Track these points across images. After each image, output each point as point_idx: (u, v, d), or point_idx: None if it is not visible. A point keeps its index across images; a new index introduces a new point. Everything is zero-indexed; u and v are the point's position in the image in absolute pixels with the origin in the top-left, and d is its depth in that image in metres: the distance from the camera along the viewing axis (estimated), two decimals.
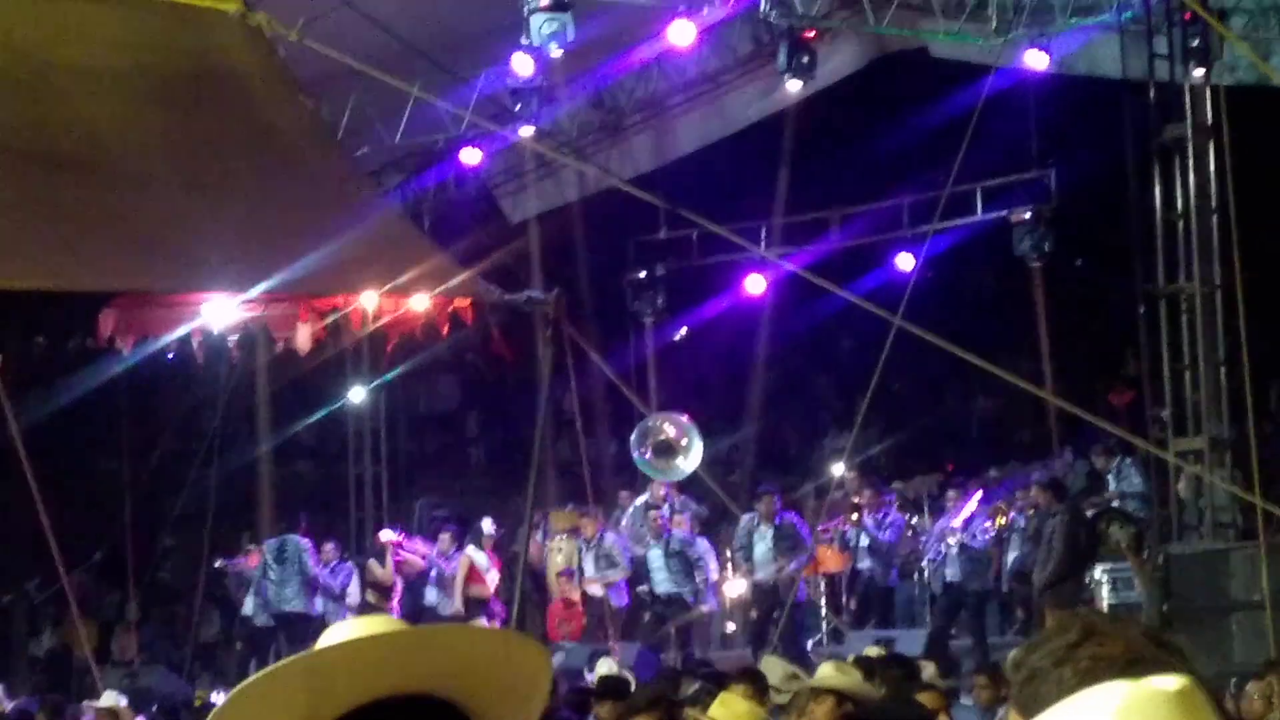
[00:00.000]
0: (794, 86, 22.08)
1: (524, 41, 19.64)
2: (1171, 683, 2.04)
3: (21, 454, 15.73)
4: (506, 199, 25.87)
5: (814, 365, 30.43)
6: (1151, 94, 18.28)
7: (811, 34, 21.42)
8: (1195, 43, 18.35)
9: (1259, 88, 19.62)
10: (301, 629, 21.37)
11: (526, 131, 22.49)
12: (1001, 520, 20.96)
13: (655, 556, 21.41)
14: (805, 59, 21.29)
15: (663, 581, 21.36)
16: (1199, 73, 18.44)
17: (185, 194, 15.52)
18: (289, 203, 16.07)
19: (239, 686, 2.31)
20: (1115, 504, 20.92)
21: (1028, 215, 23.46)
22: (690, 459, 18.13)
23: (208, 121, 16.21)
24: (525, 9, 18.95)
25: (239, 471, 25.38)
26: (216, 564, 23.92)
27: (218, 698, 18.48)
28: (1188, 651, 2.28)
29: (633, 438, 18.40)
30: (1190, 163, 18.15)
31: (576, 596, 22.42)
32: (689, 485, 21.61)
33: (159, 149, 15.75)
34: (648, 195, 19.12)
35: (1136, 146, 18.35)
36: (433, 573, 22.89)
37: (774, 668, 11.99)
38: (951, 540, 20.88)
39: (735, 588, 22.17)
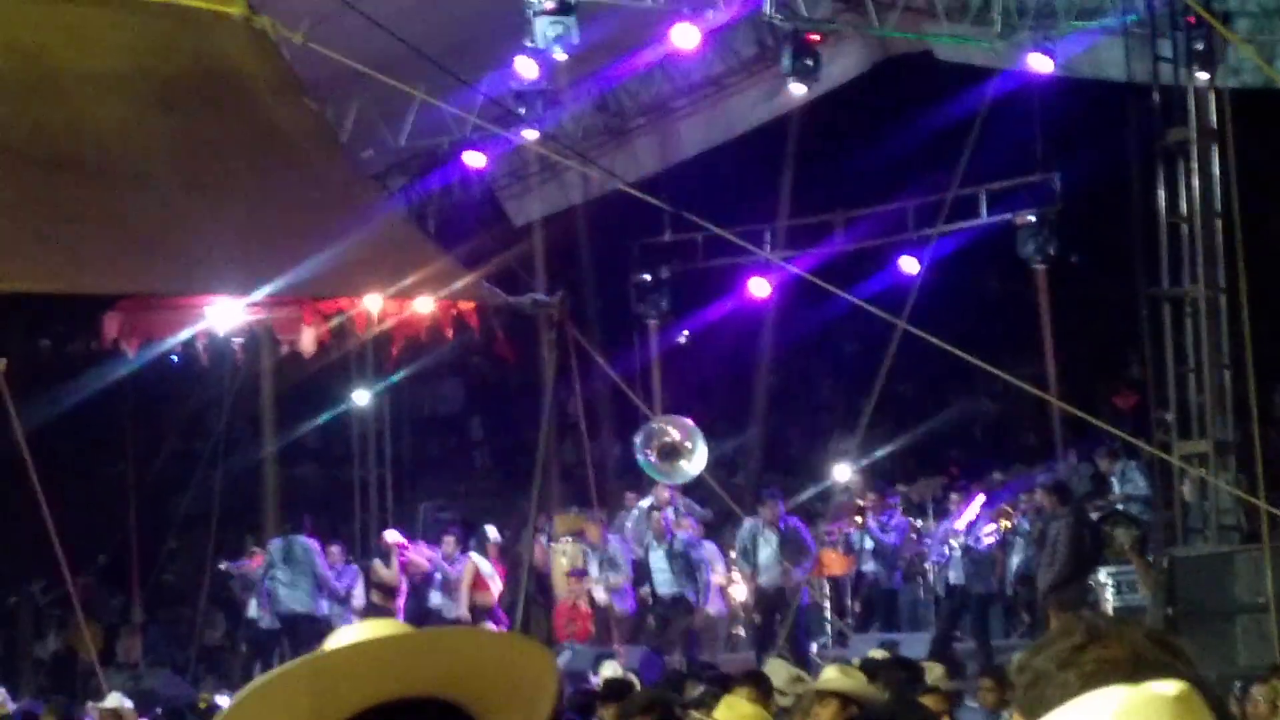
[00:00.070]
0: (798, 89, 22.08)
1: (528, 44, 19.67)
2: (1170, 688, 2.06)
3: (26, 457, 15.74)
4: (511, 202, 25.88)
5: (818, 368, 30.44)
6: (1155, 97, 18.27)
7: (815, 37, 21.42)
8: (1199, 46, 18.35)
9: (1263, 90, 19.62)
10: (307, 631, 21.37)
11: (531, 134, 22.51)
12: (1006, 523, 20.96)
13: (657, 558, 21.41)
14: (809, 62, 21.29)
15: (664, 583, 21.35)
16: (1203, 76, 18.43)
17: (190, 197, 15.52)
18: (293, 205, 16.07)
19: (246, 689, 2.31)
20: (1119, 507, 20.92)
21: (1032, 218, 23.46)
22: (694, 462, 18.13)
23: (212, 124, 16.21)
24: (529, 12, 18.97)
25: (243, 474, 25.39)
26: (221, 566, 23.94)
27: (222, 700, 18.49)
28: (1192, 655, 2.28)
29: (637, 440, 18.41)
30: (1194, 165, 18.15)
31: (585, 600, 22.42)
32: (693, 488, 21.61)
33: (163, 152, 15.76)
34: (652, 198, 19.11)
35: (1140, 149, 18.35)
36: (437, 576, 22.89)
37: (778, 671, 12.01)
38: (954, 543, 20.89)
39: (738, 592, 22.16)
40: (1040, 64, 21.03)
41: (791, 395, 29.81)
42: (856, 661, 12.27)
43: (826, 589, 22.66)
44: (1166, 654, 2.22)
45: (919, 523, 22.73)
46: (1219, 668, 14.66)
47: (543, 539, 22.48)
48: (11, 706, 17.83)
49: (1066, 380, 24.37)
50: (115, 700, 15.82)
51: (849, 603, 22.86)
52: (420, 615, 22.00)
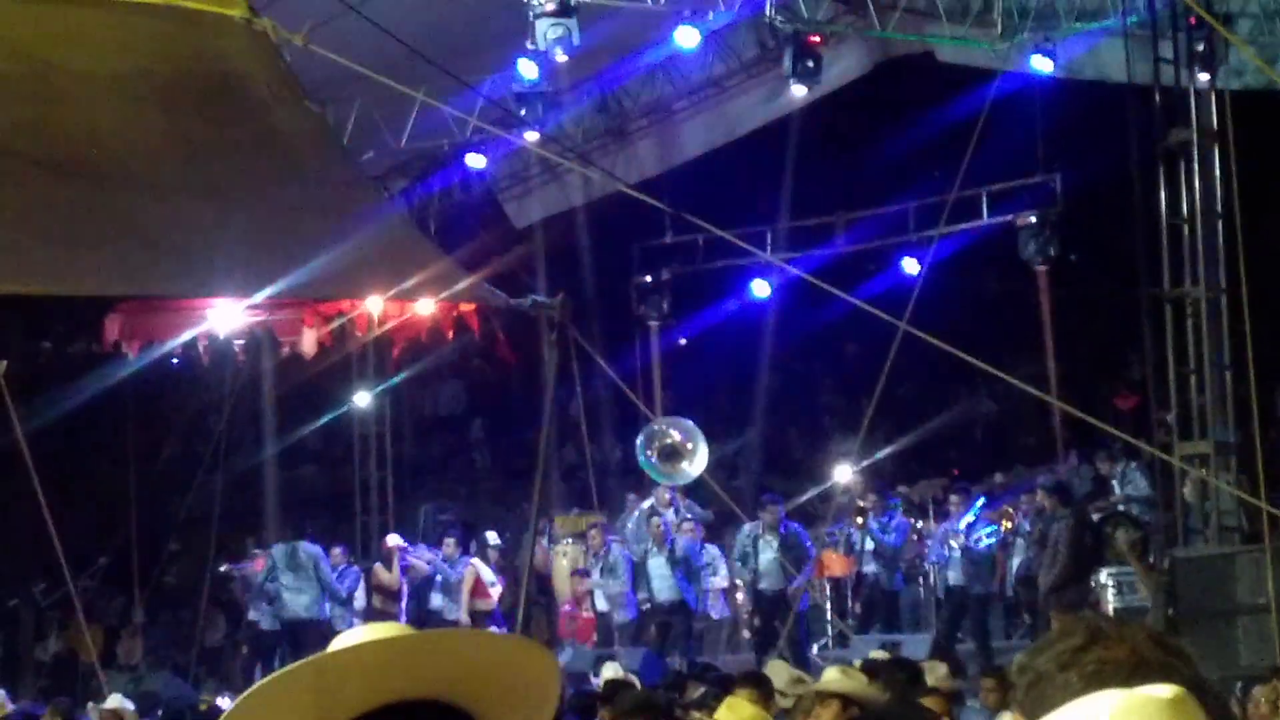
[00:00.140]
0: (799, 91, 22.11)
1: (529, 46, 19.68)
2: (1165, 690, 2.06)
3: (27, 458, 15.74)
4: (511, 204, 25.89)
5: (819, 369, 30.45)
6: (1157, 98, 18.27)
7: (816, 38, 21.43)
8: (1200, 47, 18.35)
9: (1264, 91, 19.62)
10: (311, 636, 21.38)
11: (532, 136, 22.52)
12: (1007, 524, 20.96)
13: (657, 564, 21.39)
14: (810, 64, 21.31)
15: (663, 590, 21.34)
16: (1204, 77, 18.44)
17: (190, 199, 15.52)
18: (294, 208, 16.07)
19: (250, 690, 2.32)
20: (1120, 508, 20.92)
21: (1033, 219, 23.47)
22: (695, 463, 18.12)
23: (212, 127, 16.21)
24: (531, 14, 18.98)
25: (244, 476, 25.39)
26: (222, 568, 23.93)
27: (223, 702, 18.51)
28: (1193, 656, 2.28)
29: (638, 442, 18.40)
30: (1195, 167, 18.15)
31: (587, 602, 22.44)
32: (693, 489, 21.61)
33: (164, 154, 15.76)
34: (652, 200, 19.12)
35: (1141, 151, 18.34)
36: (438, 578, 22.89)
37: (779, 672, 12.01)
38: (954, 543, 20.88)
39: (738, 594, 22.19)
40: (1041, 65, 21.04)
41: (792, 396, 29.82)
42: (858, 663, 12.26)
43: (827, 590, 22.66)
44: (1168, 655, 2.22)
45: (920, 524, 22.73)
46: (1220, 668, 14.66)
47: (544, 541, 22.50)
48: (11, 707, 17.82)
49: (1067, 381, 24.38)
50: (116, 701, 15.82)
51: (850, 604, 22.86)
52: (421, 617, 22.00)
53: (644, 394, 22.39)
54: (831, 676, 10.36)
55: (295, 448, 26.93)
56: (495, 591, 22.53)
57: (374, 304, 17.23)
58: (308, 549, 22.25)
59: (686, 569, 21.34)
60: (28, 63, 15.49)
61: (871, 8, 20.94)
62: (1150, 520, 19.87)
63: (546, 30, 19.01)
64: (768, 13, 20.91)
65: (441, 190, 25.49)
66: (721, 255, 24.55)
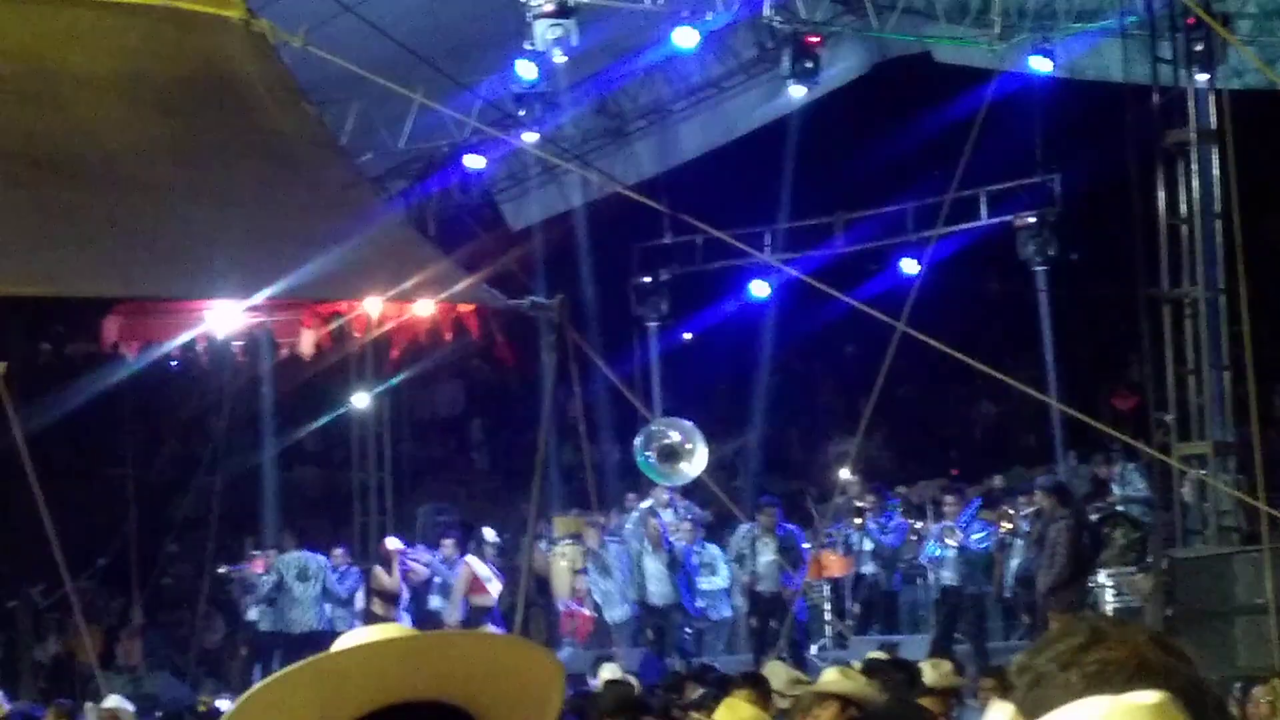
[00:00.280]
0: (797, 91, 22.11)
1: (528, 47, 19.67)
2: (1149, 696, 2.07)
3: (26, 460, 15.73)
4: (510, 205, 25.89)
5: (818, 370, 30.45)
6: (1155, 98, 18.27)
7: (815, 39, 21.43)
8: (1199, 47, 18.35)
9: (1262, 91, 19.63)
10: (301, 646, 21.39)
11: (530, 137, 22.51)
12: (1007, 525, 20.95)
13: (653, 565, 21.39)
14: (809, 64, 21.31)
15: (659, 593, 21.35)
16: (1202, 77, 18.43)
17: (188, 200, 15.52)
18: (293, 209, 16.07)
19: (251, 690, 2.31)
20: (1119, 508, 20.92)
21: (1032, 220, 23.46)
22: (695, 464, 18.12)
23: (211, 128, 16.21)
24: (529, 15, 18.97)
25: (243, 477, 25.37)
26: (221, 570, 23.92)
27: (221, 703, 18.49)
28: (1193, 656, 2.28)
29: (637, 442, 18.40)
30: (1194, 167, 18.15)
31: (587, 601, 22.45)
32: (692, 490, 21.61)
33: (163, 155, 15.76)
34: (651, 201, 19.12)
35: (1140, 151, 18.35)
36: (436, 580, 22.88)
37: (777, 673, 12.00)
38: (950, 540, 20.86)
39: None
40: (1040, 65, 21.04)
41: (791, 397, 29.81)
42: (857, 664, 12.25)
43: (826, 591, 22.65)
44: (1169, 655, 2.21)
45: (918, 524, 22.73)
46: (1218, 669, 14.67)
47: (542, 543, 22.48)
48: (8, 707, 17.81)
49: (1066, 382, 24.37)
50: (115, 702, 15.81)
51: (849, 605, 22.85)
52: (420, 619, 21.99)
53: (643, 394, 22.39)
54: (830, 677, 10.35)
55: (294, 449, 26.92)
56: (493, 588, 22.51)
57: (372, 305, 17.21)
58: (316, 560, 22.25)
59: (684, 571, 21.35)
60: (26, 64, 15.50)
61: (870, 8, 20.94)
62: (1149, 521, 19.88)
63: (545, 31, 19.00)
64: (766, 13, 20.91)
65: (440, 191, 25.48)
66: (720, 256, 24.53)
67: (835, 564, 22.57)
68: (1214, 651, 15.58)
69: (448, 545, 22.97)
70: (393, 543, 23.13)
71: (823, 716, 9.91)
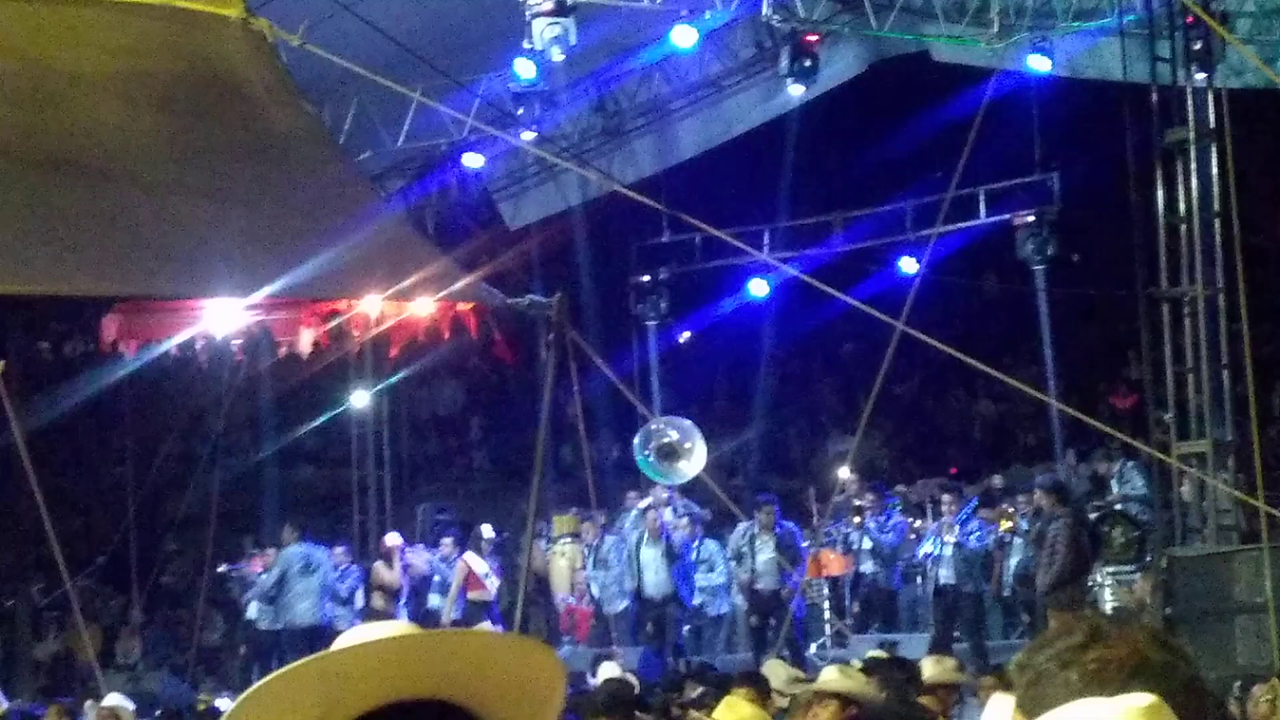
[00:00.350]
0: (796, 90, 22.11)
1: (526, 46, 19.67)
2: (1141, 700, 2.08)
3: (25, 458, 15.73)
4: (508, 203, 25.88)
5: (817, 369, 30.46)
6: (1154, 97, 18.27)
7: (814, 38, 21.44)
8: (1197, 46, 18.34)
9: (1261, 90, 19.62)
10: (306, 639, 21.39)
11: (529, 136, 22.51)
12: (1007, 524, 20.95)
13: (650, 556, 21.40)
14: (807, 63, 21.31)
15: (655, 584, 21.36)
16: (1201, 76, 18.43)
17: (187, 199, 15.50)
18: (291, 207, 16.05)
19: (252, 688, 2.31)
20: (1118, 507, 20.92)
21: (1031, 218, 23.47)
22: (693, 462, 18.12)
23: (209, 127, 16.19)
24: (527, 13, 18.97)
25: (242, 476, 25.38)
26: (220, 569, 23.91)
27: (221, 702, 18.49)
28: (1192, 655, 2.28)
29: (636, 441, 18.40)
30: (1193, 166, 18.15)
31: (585, 598, 22.46)
32: (691, 489, 21.62)
33: (161, 154, 15.74)
34: (649, 200, 19.11)
35: (1139, 150, 18.34)
36: (435, 578, 22.89)
37: (777, 671, 12.01)
38: (948, 537, 20.85)
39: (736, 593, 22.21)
40: (1038, 64, 21.04)
41: (790, 396, 29.83)
42: (856, 662, 12.26)
43: (825, 590, 22.65)
44: (1168, 654, 2.22)
45: (917, 523, 22.73)
46: (1218, 668, 14.66)
47: (541, 541, 22.49)
48: (6, 705, 17.82)
49: (1065, 380, 24.38)
50: (115, 700, 15.80)
51: (848, 603, 22.85)
52: (419, 617, 22.00)
53: (641, 393, 22.39)
54: (830, 676, 10.36)
55: (293, 448, 26.92)
56: (491, 583, 22.51)
57: (371, 304, 17.20)
58: (319, 553, 22.27)
59: (682, 564, 21.36)
60: (23, 63, 15.49)
61: (868, 7, 20.94)
62: (1148, 519, 19.88)
63: (543, 30, 19.00)
64: (764, 11, 20.91)
65: (438, 190, 25.47)
66: (719, 255, 24.54)
67: (834, 563, 22.56)
68: (1213, 650, 15.58)
69: (447, 544, 22.99)
70: (393, 538, 23.15)
71: (822, 715, 9.92)
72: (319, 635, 21.29)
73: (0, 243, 14.52)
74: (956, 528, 20.83)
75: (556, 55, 19.62)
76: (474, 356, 28.79)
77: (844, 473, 23.14)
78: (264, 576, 22.32)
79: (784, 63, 21.49)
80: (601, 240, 26.62)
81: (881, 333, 17.79)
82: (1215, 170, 18.14)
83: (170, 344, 19.14)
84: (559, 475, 25.65)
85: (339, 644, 2.38)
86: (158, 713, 18.41)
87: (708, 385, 29.06)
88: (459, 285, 16.25)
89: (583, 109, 24.23)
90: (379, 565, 22.93)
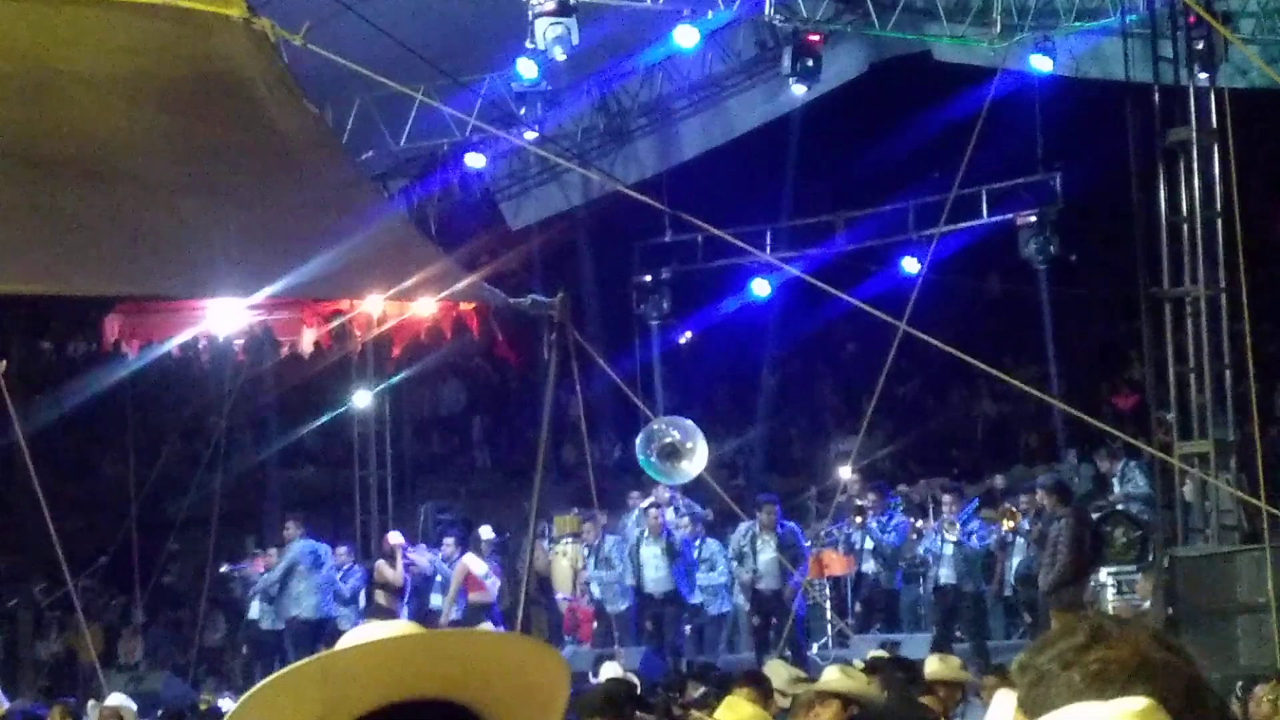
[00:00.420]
0: (799, 90, 22.10)
1: (528, 45, 19.67)
2: (1137, 704, 2.08)
3: (27, 458, 15.74)
4: (511, 203, 25.88)
5: (819, 369, 30.45)
6: (1156, 97, 18.26)
7: (816, 37, 21.43)
8: (1200, 46, 18.34)
9: (1263, 90, 19.61)
10: (311, 633, 21.40)
11: (531, 136, 22.50)
12: (1009, 524, 20.94)
13: (651, 553, 21.40)
14: (810, 62, 21.31)
15: (655, 581, 21.36)
16: (1204, 75, 18.42)
17: (189, 199, 15.50)
18: (293, 207, 16.05)
19: (255, 688, 2.30)
20: (1120, 507, 20.91)
21: (1033, 218, 23.47)
22: (695, 462, 18.10)
23: (212, 126, 16.19)
24: (530, 13, 18.97)
25: (244, 476, 25.38)
26: (222, 569, 23.92)
27: (223, 703, 18.50)
28: (1194, 655, 2.28)
29: (638, 441, 18.40)
30: (1195, 165, 18.14)
31: (586, 598, 22.47)
32: (693, 488, 21.62)
33: (163, 154, 15.74)
34: (651, 199, 19.11)
35: (1141, 149, 18.34)
36: (437, 577, 22.90)
37: (778, 671, 12.01)
38: (949, 535, 20.84)
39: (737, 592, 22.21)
40: (1041, 64, 21.03)
41: (792, 396, 29.82)
42: (858, 662, 12.26)
43: (827, 589, 22.65)
44: (1170, 654, 2.21)
45: (919, 523, 22.73)
46: (1220, 668, 14.65)
47: (543, 542, 22.49)
48: (8, 705, 17.81)
49: (1067, 380, 24.38)
50: (117, 700, 15.81)
51: (850, 603, 22.85)
52: (421, 616, 22.00)
53: (644, 393, 22.38)
54: (831, 676, 10.36)
55: (295, 447, 26.93)
56: (491, 584, 22.52)
57: (373, 304, 17.21)
58: (323, 549, 22.31)
59: (684, 562, 21.37)
60: (26, 63, 15.49)
61: (870, 6, 20.94)
62: (1150, 519, 19.87)
63: (546, 29, 19.00)
64: (767, 11, 20.90)
65: (441, 190, 25.47)
66: (721, 255, 24.54)
67: (836, 562, 22.56)
68: (1215, 650, 15.57)
69: (449, 544, 23.00)
70: (395, 537, 23.16)
71: (824, 715, 9.92)
72: (322, 630, 21.32)
73: (2, 242, 14.53)
74: (958, 525, 20.82)
75: (559, 55, 19.63)
76: (476, 356, 28.81)
77: (845, 473, 23.13)
78: (275, 566, 22.33)
79: (786, 62, 21.48)
80: (603, 240, 26.63)
81: (883, 333, 17.78)
82: (1217, 170, 18.13)
83: (172, 344, 19.16)
84: (561, 475, 25.66)
85: (342, 644, 2.38)
86: (159, 713, 18.42)
87: (710, 385, 29.05)
88: (461, 285, 16.25)
89: (585, 109, 24.23)
90: (381, 564, 22.94)
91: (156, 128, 15.86)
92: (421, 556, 23.08)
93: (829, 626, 22.57)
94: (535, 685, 2.40)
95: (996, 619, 21.73)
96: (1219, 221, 18.02)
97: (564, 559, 22.88)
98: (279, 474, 26.52)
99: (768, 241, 24.76)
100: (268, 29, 15.90)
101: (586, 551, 22.42)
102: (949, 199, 20.59)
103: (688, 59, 23.22)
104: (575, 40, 19.12)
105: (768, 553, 20.92)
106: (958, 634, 20.77)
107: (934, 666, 11.89)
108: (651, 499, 22.09)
